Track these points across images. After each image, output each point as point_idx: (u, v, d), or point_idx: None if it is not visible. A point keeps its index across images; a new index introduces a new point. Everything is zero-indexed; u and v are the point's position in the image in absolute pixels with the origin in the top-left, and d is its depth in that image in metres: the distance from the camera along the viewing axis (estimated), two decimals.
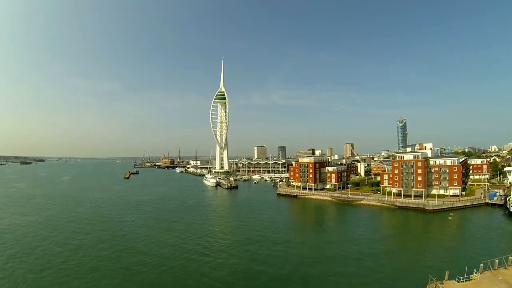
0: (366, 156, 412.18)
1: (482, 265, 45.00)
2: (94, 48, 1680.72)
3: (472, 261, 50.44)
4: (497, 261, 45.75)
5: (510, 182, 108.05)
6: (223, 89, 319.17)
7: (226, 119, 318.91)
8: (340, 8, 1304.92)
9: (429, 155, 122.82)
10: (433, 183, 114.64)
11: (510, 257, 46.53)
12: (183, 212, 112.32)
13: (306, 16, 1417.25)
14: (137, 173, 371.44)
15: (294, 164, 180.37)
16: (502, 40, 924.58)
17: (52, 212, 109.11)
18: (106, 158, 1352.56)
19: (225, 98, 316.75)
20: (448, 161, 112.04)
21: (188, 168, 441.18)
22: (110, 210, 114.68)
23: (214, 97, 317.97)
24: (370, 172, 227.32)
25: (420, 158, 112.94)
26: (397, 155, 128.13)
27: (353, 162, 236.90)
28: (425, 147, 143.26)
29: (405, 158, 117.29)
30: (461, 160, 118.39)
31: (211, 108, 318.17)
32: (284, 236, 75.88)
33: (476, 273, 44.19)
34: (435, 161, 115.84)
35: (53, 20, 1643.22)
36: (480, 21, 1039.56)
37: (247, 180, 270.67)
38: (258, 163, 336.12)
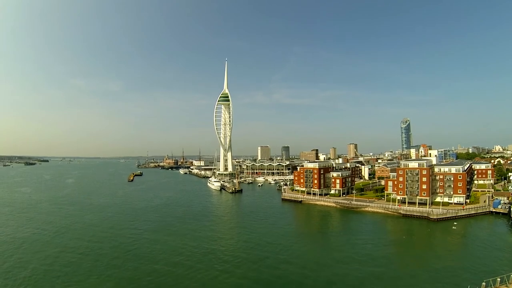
0: (370, 157, 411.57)
1: (484, 283, 46.25)
2: (96, 47, 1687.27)
3: (474, 278, 51.70)
4: (498, 279, 46.91)
5: None
6: (226, 91, 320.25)
7: (230, 121, 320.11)
8: (343, 7, 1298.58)
9: (434, 162, 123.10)
10: (438, 190, 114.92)
11: None
12: (190, 221, 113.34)
13: (309, 14, 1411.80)
14: (141, 174, 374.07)
15: (298, 169, 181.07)
16: (508, 39, 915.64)
17: (59, 222, 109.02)
18: (109, 157, 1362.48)
19: (228, 100, 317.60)
20: (453, 169, 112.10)
21: (192, 169, 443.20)
22: (117, 219, 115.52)
23: (218, 99, 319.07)
24: (374, 175, 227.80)
25: (425, 166, 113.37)
26: (402, 162, 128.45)
27: (357, 165, 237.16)
28: (430, 154, 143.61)
29: (410, 166, 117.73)
30: (466, 168, 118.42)
31: (214, 110, 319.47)
32: (294, 253, 75.37)
33: None
34: (440, 169, 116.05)
35: (55, 19, 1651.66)
36: (485, 20, 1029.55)
37: (251, 182, 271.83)
38: (262, 164, 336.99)
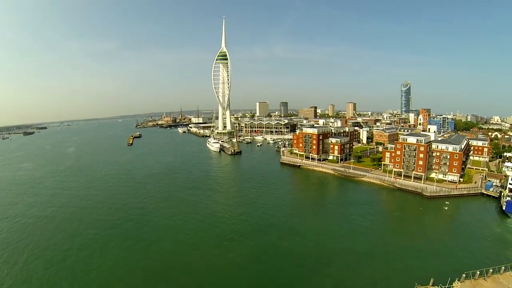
0: (368, 118, 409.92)
1: (464, 275, 50.90)
2: (87, 6, 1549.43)
3: (457, 266, 56.05)
4: (478, 272, 51.39)
5: (507, 175, 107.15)
6: (224, 49, 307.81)
7: (228, 79, 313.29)
8: None
9: (432, 137, 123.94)
10: (433, 166, 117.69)
11: (491, 270, 52.12)
12: (192, 187, 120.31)
13: None
14: (140, 136, 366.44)
15: (298, 133, 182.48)
16: None
17: (65, 199, 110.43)
18: (107, 118, 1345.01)
19: (227, 59, 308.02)
20: (450, 148, 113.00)
21: (191, 127, 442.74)
22: (120, 192, 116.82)
23: (216, 57, 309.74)
24: (372, 138, 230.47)
25: (423, 143, 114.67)
26: (401, 136, 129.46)
27: (355, 129, 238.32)
28: (429, 129, 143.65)
29: (408, 141, 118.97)
30: (463, 147, 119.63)
31: (212, 69, 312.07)
32: (295, 225, 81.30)
33: (457, 281, 50.35)
34: (438, 146, 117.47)
35: None
36: None
37: (250, 142, 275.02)
38: (260, 123, 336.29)
